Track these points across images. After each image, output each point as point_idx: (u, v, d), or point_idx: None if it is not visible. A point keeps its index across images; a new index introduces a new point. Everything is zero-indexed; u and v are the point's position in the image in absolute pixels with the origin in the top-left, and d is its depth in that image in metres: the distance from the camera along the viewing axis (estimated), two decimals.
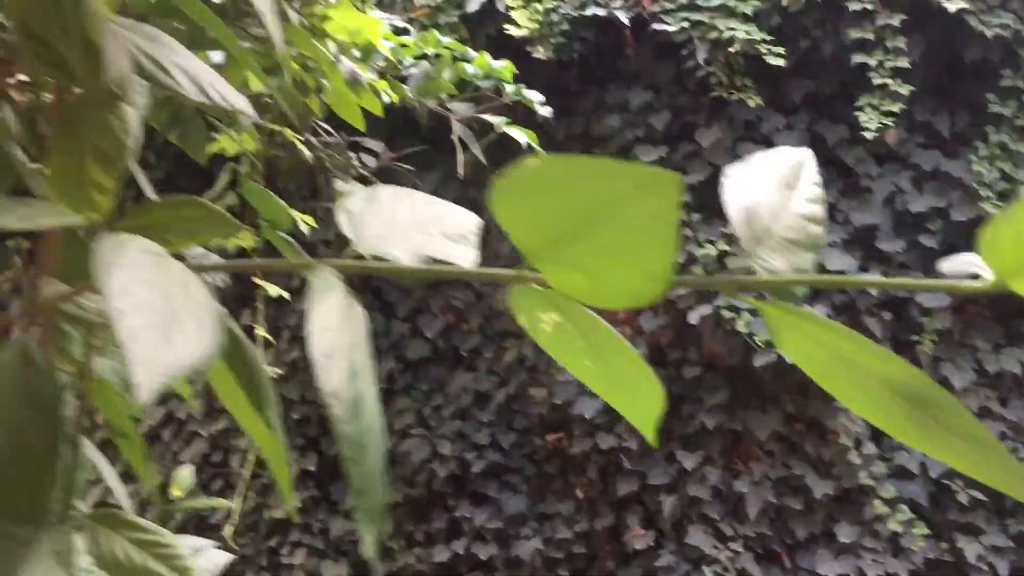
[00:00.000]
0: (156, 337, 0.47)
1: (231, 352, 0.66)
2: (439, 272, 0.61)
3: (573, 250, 0.50)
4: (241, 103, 0.73)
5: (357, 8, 2.14)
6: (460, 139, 2.78)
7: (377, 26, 2.61)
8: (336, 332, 0.47)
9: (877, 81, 3.41)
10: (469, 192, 4.04)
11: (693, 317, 3.83)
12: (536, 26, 3.67)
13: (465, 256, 0.62)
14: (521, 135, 2.65)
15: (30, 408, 0.66)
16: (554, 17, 3.70)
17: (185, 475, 1.08)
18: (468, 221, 0.66)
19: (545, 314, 0.62)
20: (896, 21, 3.39)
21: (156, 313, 0.49)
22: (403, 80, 2.39)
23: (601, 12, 3.62)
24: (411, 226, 0.63)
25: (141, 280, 0.49)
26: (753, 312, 3.75)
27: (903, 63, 3.41)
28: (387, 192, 0.66)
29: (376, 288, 4.61)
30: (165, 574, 0.85)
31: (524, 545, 4.30)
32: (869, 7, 3.35)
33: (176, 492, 1.09)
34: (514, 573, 4.32)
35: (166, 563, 0.85)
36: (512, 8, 3.74)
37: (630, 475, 4.19)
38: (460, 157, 2.78)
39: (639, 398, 0.66)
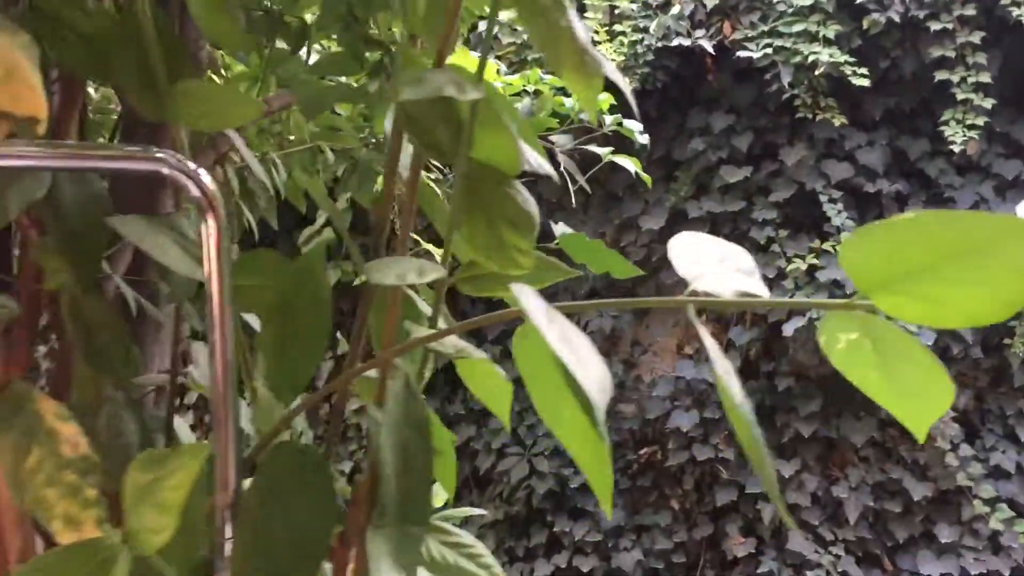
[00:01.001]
0: (584, 370, 0.59)
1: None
2: (753, 303, 0.73)
3: (920, 283, 0.61)
4: (546, 167, 0.86)
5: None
6: (567, 171, 2.92)
7: (492, 68, 2.76)
8: None
9: (960, 96, 3.49)
10: (573, 220, 4.17)
11: (787, 329, 3.90)
12: (622, 58, 3.80)
13: (758, 287, 0.74)
14: (628, 163, 2.77)
15: (411, 429, 0.79)
16: (639, 48, 3.83)
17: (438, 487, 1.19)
18: (746, 257, 0.78)
19: (844, 335, 0.74)
20: (976, 38, 3.46)
21: (574, 350, 0.61)
22: None
23: (686, 42, 3.74)
24: (717, 265, 0.76)
25: (554, 321, 0.61)
26: None
27: (984, 78, 3.48)
28: (688, 237, 0.78)
29: (463, 311, 4.73)
30: (475, 571, 0.97)
31: (625, 556, 4.37)
32: (949, 26, 3.43)
33: (436, 502, 1.21)
34: None
35: (474, 561, 0.98)
36: (598, 42, 3.87)
37: (728, 485, 4.27)
38: (571, 188, 2.91)
39: (925, 399, 0.77)
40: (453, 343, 0.82)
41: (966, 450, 3.94)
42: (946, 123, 3.52)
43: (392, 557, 0.90)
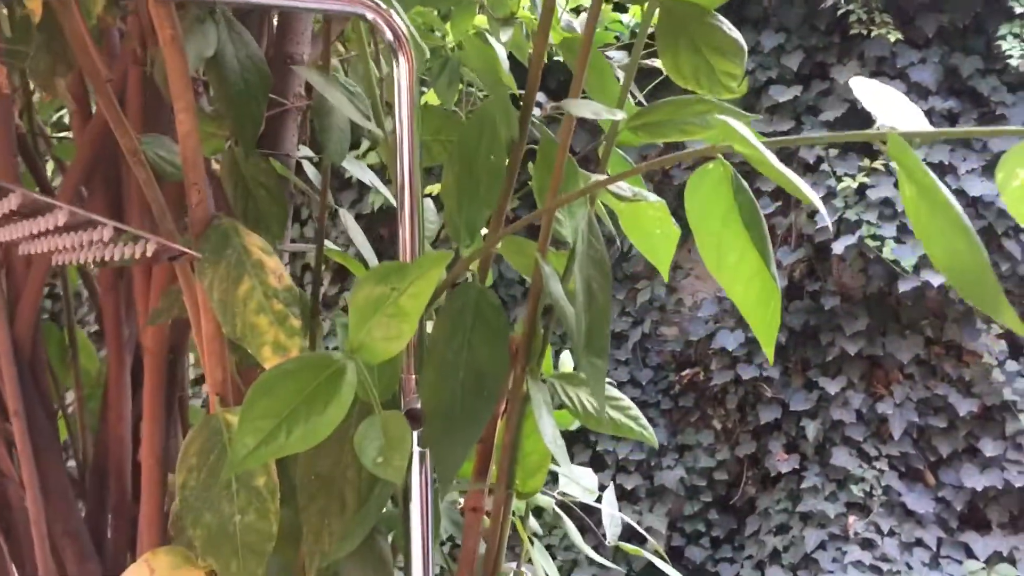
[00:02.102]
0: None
1: (749, 213, 0.79)
2: (955, 133, 0.74)
3: None
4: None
5: None
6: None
7: None
8: None
9: (1018, 10, 3.42)
10: None
11: (838, 247, 3.90)
12: None
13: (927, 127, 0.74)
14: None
15: (594, 267, 0.81)
16: None
17: None
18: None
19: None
20: None
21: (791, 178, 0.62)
22: None
23: None
24: (899, 105, 0.76)
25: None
26: (897, 239, 3.81)
27: None
28: (867, 81, 0.78)
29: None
30: (625, 421, 1.00)
31: (667, 474, 4.43)
32: None
33: None
34: (659, 500, 4.46)
35: (623, 413, 1.00)
36: None
37: (771, 403, 4.30)
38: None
39: None
40: (627, 187, 0.83)
41: (1012, 366, 3.95)
42: (1003, 37, 3.47)
43: (548, 407, 0.93)
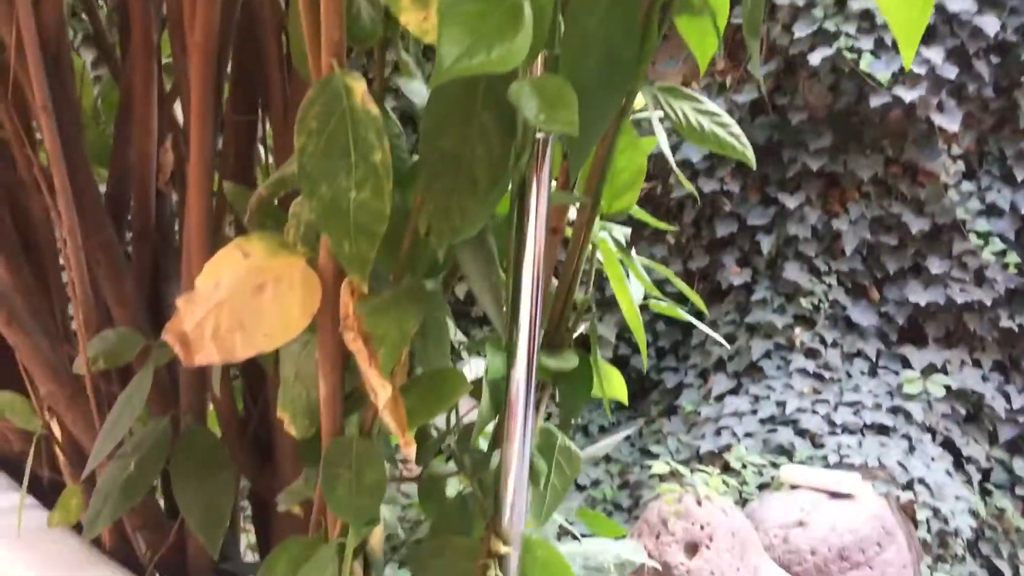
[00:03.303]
0: None
1: None
2: None
3: None
4: None
5: None
6: None
7: None
8: None
9: None
10: None
11: (814, 58, 3.82)
12: None
13: None
14: None
15: None
16: None
17: None
18: None
19: None
20: None
21: None
22: None
23: None
24: None
25: None
26: (874, 53, 3.75)
27: None
28: None
29: None
30: (726, 137, 0.93)
31: None
32: None
33: None
34: (608, 311, 4.50)
35: (724, 129, 0.93)
36: None
37: (728, 217, 4.32)
38: None
39: None
40: None
41: (966, 186, 4.01)
42: None
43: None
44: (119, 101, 1.17)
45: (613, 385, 1.06)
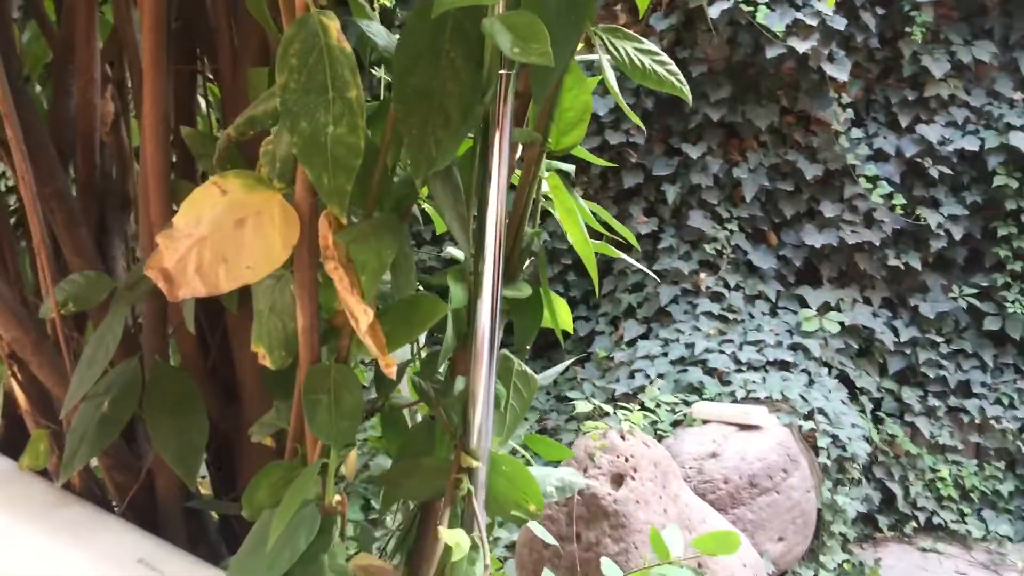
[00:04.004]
0: None
1: None
2: None
3: None
4: None
5: None
6: None
7: None
8: None
9: None
10: None
11: (713, 11, 3.92)
12: None
13: None
14: None
15: None
16: None
17: None
18: None
19: None
20: None
21: None
22: None
23: None
24: None
25: None
26: (768, 6, 3.87)
27: None
28: None
29: None
30: (664, 74, 0.98)
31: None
32: None
33: None
34: None
35: (663, 67, 0.99)
36: None
37: (634, 168, 4.42)
38: None
39: None
40: None
41: (855, 133, 4.20)
42: None
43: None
44: (55, 53, 1.16)
45: (561, 315, 1.12)
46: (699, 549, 1.26)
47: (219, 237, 0.75)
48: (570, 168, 1.07)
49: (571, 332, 1.17)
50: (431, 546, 1.04)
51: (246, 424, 1.00)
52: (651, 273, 1.32)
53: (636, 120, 1.04)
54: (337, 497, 0.83)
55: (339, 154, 0.73)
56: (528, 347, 1.04)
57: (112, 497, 1.02)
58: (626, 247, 1.34)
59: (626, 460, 2.19)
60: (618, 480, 2.19)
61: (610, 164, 1.20)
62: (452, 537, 0.81)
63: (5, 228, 1.09)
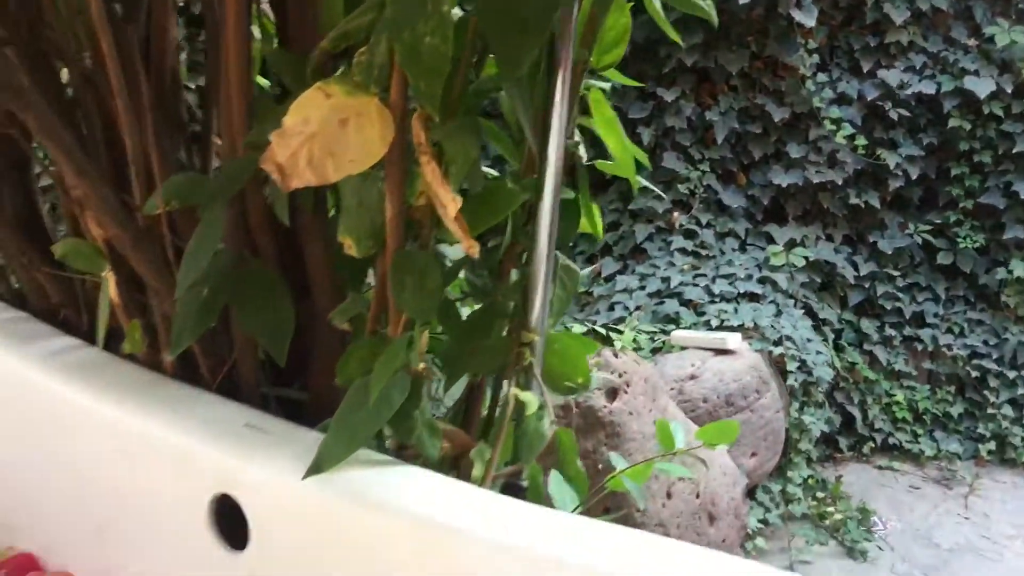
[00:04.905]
0: None
1: None
2: None
3: None
4: None
5: None
6: None
7: None
8: None
9: None
10: None
11: None
12: None
13: None
14: None
15: None
16: None
17: None
18: None
19: None
20: None
21: None
22: None
23: None
24: None
25: None
26: None
27: None
28: None
29: None
30: None
31: None
32: None
33: None
34: None
35: None
36: None
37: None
38: None
39: None
40: None
41: (821, 77, 4.32)
42: None
43: None
44: None
45: (595, 220, 1.23)
46: (702, 439, 1.38)
47: (327, 134, 0.85)
48: (607, 85, 1.18)
49: (601, 237, 1.28)
50: (477, 418, 1.17)
51: (318, 317, 1.10)
52: (655, 188, 1.43)
53: (675, 37, 1.14)
54: (422, 365, 0.94)
55: (433, 61, 0.82)
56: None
57: (203, 379, 1.12)
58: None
59: (619, 375, 2.33)
60: (612, 394, 2.32)
61: (639, 84, 1.30)
62: (526, 397, 0.93)
63: (102, 139, 1.17)
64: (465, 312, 1.26)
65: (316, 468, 0.87)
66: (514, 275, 1.09)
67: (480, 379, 1.15)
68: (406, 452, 0.98)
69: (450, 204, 0.86)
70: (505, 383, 1.01)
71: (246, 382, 1.13)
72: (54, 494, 1.10)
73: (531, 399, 0.93)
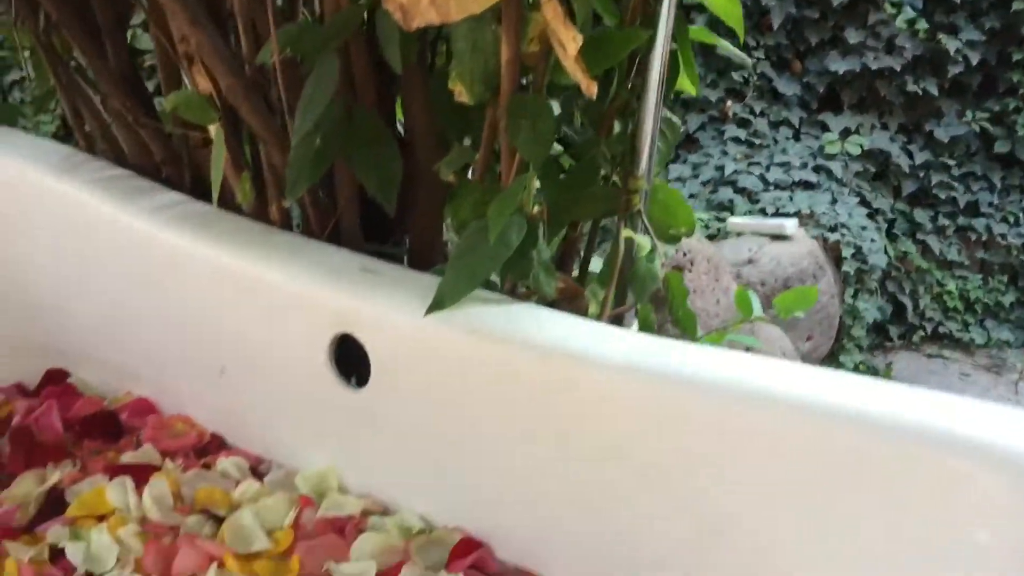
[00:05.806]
0: None
1: None
2: None
3: None
4: None
5: None
6: None
7: None
8: None
9: None
10: None
11: None
12: None
13: None
14: None
15: None
16: None
17: None
18: None
19: None
20: None
21: None
22: None
23: None
24: None
25: None
26: None
27: None
28: None
29: None
30: None
31: None
32: None
33: None
34: None
35: None
36: None
37: None
38: None
39: None
40: None
41: None
42: None
43: None
44: None
45: (693, 74, 1.21)
46: (779, 306, 1.38)
47: None
48: None
49: (695, 94, 1.26)
50: (570, 267, 1.18)
51: (418, 170, 1.11)
52: (744, 56, 1.41)
53: None
54: (536, 207, 0.94)
55: None
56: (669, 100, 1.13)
57: (311, 231, 1.13)
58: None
59: (684, 254, 2.33)
60: (678, 271, 2.33)
61: None
62: (639, 239, 0.93)
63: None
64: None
65: (438, 304, 0.89)
66: (618, 125, 1.08)
67: (577, 231, 1.16)
68: (519, 295, 0.99)
69: (570, 43, 0.85)
70: (614, 228, 1.02)
71: (350, 236, 1.15)
72: (171, 342, 1.14)
73: (644, 241, 0.94)
